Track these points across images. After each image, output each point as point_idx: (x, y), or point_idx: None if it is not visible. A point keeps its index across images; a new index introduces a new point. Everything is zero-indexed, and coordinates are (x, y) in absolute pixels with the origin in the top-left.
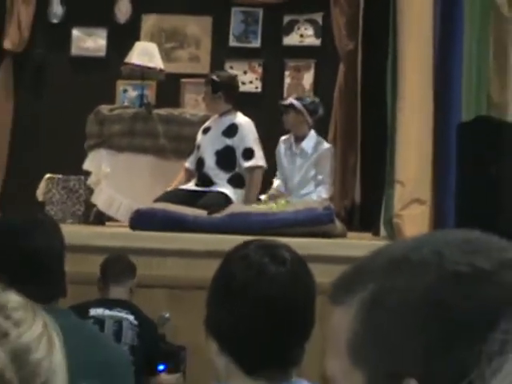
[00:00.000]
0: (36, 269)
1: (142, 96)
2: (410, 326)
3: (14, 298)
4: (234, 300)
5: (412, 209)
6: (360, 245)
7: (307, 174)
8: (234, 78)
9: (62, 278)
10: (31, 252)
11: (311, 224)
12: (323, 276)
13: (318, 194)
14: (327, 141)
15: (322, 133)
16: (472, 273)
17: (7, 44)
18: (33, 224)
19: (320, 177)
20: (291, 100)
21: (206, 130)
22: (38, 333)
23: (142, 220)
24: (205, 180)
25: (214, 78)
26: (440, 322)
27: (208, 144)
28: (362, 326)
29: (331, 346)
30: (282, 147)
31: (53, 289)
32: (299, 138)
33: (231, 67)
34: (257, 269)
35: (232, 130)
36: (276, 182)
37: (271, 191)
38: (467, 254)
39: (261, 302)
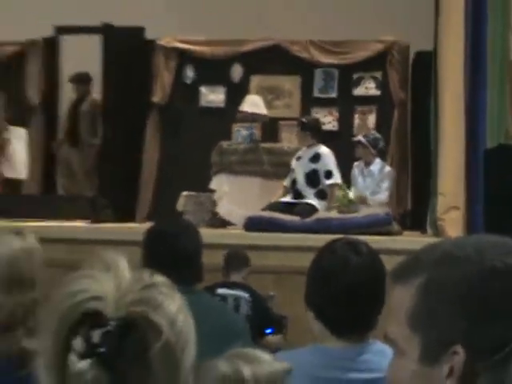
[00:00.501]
0: (183, 262)
1: (251, 134)
2: (455, 305)
3: (161, 279)
4: (326, 282)
5: (450, 214)
6: (412, 241)
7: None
8: (317, 120)
9: (200, 268)
10: (180, 250)
11: (376, 225)
12: (385, 264)
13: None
14: (389, 165)
15: (384, 158)
16: (505, 268)
17: (155, 99)
18: (180, 228)
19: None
20: (359, 137)
21: (298, 158)
22: (179, 304)
23: (252, 224)
24: (297, 194)
25: (304, 120)
26: (479, 303)
27: (300, 168)
28: (418, 303)
29: (393, 316)
30: (355, 170)
31: (193, 276)
32: (367, 164)
33: (316, 112)
34: (343, 258)
35: (317, 158)
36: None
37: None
38: (501, 254)
39: (346, 283)
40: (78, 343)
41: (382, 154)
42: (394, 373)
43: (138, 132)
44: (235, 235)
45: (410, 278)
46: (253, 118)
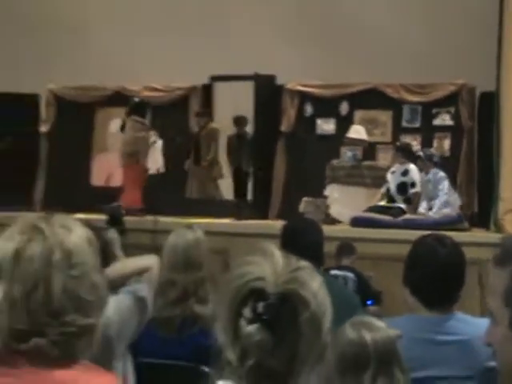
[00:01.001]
0: (311, 251)
1: (355, 155)
2: None
3: (304, 263)
4: (421, 266)
5: (508, 215)
6: (479, 236)
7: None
8: (408, 145)
9: (323, 255)
10: (308, 243)
11: (451, 224)
12: None
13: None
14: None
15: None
16: None
17: (282, 128)
18: (308, 225)
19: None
20: (419, 152)
21: (392, 172)
22: (319, 281)
23: (357, 222)
24: (390, 200)
25: (398, 144)
26: None
27: (393, 180)
28: (509, 284)
29: (493, 293)
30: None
31: (319, 261)
32: (426, 173)
33: (404, 138)
34: (433, 248)
35: (406, 173)
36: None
37: None
38: None
39: (436, 267)
40: (246, 312)
41: (438, 165)
42: (491, 336)
43: (270, 154)
44: (344, 230)
45: (506, 264)
46: (356, 142)
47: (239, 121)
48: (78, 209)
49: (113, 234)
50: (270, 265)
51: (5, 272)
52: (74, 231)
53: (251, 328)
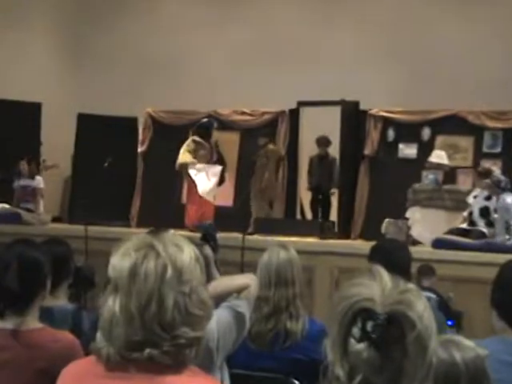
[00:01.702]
0: (400, 270)
1: (436, 179)
2: None
3: (411, 285)
4: (508, 290)
5: None
6: None
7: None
8: (488, 170)
9: (410, 274)
10: (397, 262)
11: None
12: None
13: None
14: None
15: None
16: None
17: (366, 152)
18: (398, 245)
19: None
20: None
21: (475, 196)
22: (424, 304)
23: (438, 244)
24: (472, 223)
25: (480, 169)
26: None
27: (476, 204)
28: None
29: None
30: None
31: (407, 280)
32: (497, 198)
33: (484, 163)
34: None
35: (489, 198)
36: None
37: None
38: None
39: None
40: (355, 331)
41: (506, 190)
42: None
43: (354, 176)
44: (424, 251)
45: None
46: (437, 167)
47: (321, 141)
48: (169, 226)
49: (208, 251)
50: (378, 286)
51: (121, 286)
52: (184, 250)
53: (360, 346)
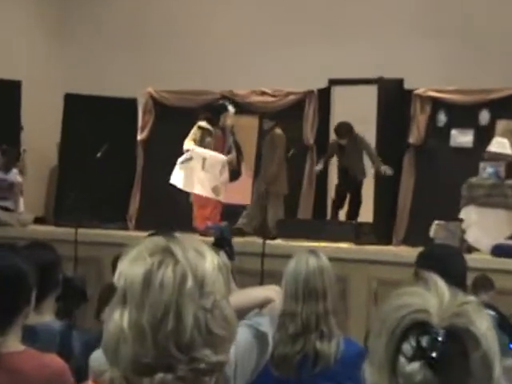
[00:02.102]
0: (454, 279)
1: (497, 172)
2: None
3: (472, 298)
4: None
5: None
6: None
7: None
8: None
9: (466, 285)
10: (450, 272)
11: None
12: None
13: None
14: None
15: None
16: None
17: (411, 140)
18: (451, 252)
19: None
20: None
21: None
22: (487, 319)
23: (499, 250)
24: None
25: None
26: None
27: None
28: None
29: None
30: None
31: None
32: None
33: None
34: None
35: None
36: None
37: None
38: None
39: None
40: (407, 348)
41: None
42: None
43: (396, 168)
44: (482, 260)
45: None
46: (498, 157)
47: (341, 131)
48: (175, 228)
49: (224, 259)
50: (434, 296)
51: (132, 297)
52: (206, 256)
53: (413, 366)
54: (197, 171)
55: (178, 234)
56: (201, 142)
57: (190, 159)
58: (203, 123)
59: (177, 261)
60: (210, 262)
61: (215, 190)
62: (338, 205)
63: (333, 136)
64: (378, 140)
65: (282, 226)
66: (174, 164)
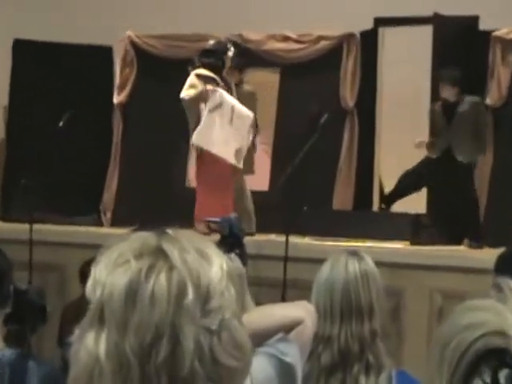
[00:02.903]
0: None
1: None
2: None
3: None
4: None
5: None
6: None
7: None
8: None
9: None
10: None
11: None
12: None
13: None
14: None
15: None
16: None
17: (489, 101)
18: None
19: None
20: None
21: None
22: None
23: None
24: None
25: None
26: None
27: None
28: None
29: None
30: None
31: None
32: None
33: None
34: None
35: None
36: None
37: None
38: None
39: None
40: None
41: None
42: None
43: None
44: None
45: None
46: None
47: (446, 77)
48: (166, 223)
49: (237, 264)
50: None
51: (111, 315)
52: (212, 260)
53: None
54: (224, 124)
55: (172, 230)
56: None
57: (220, 105)
58: (204, 71)
59: (172, 266)
60: (218, 267)
61: (238, 154)
62: (399, 193)
63: (381, 97)
64: (433, 99)
65: (310, 219)
66: (165, 135)
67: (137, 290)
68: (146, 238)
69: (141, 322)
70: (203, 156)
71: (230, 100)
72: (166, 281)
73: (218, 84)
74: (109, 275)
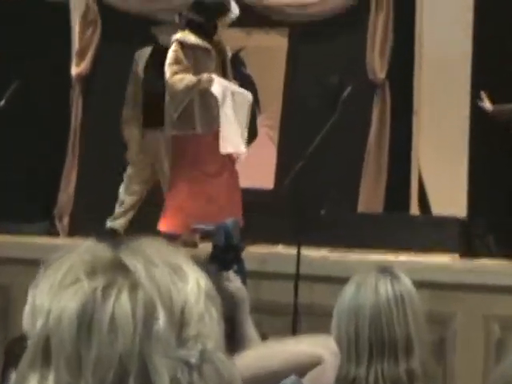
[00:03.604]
0: None
1: None
2: None
3: None
4: None
5: None
6: None
7: None
8: None
9: None
10: None
11: None
12: None
13: None
14: None
15: None
16: None
17: None
18: None
19: None
20: None
21: None
22: None
23: None
24: None
25: None
26: None
27: None
28: None
29: None
30: None
31: None
32: None
33: None
34: None
35: None
36: None
37: None
38: None
39: None
40: None
41: None
42: None
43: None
44: None
45: None
46: None
47: None
48: (135, 232)
49: (236, 284)
50: None
51: (59, 350)
52: (188, 275)
53: None
54: (232, 114)
55: (136, 239)
56: (190, 70)
57: (224, 98)
58: (187, 35)
59: (136, 283)
60: (194, 284)
61: (243, 140)
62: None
63: (420, 67)
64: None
65: (328, 225)
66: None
67: (92, 316)
68: (99, 249)
69: (99, 357)
70: (189, 155)
71: (226, 84)
72: (129, 302)
73: (209, 53)
74: (54, 299)
